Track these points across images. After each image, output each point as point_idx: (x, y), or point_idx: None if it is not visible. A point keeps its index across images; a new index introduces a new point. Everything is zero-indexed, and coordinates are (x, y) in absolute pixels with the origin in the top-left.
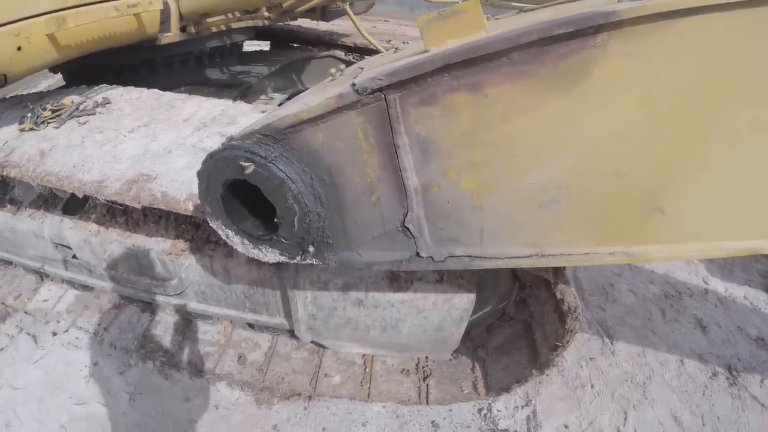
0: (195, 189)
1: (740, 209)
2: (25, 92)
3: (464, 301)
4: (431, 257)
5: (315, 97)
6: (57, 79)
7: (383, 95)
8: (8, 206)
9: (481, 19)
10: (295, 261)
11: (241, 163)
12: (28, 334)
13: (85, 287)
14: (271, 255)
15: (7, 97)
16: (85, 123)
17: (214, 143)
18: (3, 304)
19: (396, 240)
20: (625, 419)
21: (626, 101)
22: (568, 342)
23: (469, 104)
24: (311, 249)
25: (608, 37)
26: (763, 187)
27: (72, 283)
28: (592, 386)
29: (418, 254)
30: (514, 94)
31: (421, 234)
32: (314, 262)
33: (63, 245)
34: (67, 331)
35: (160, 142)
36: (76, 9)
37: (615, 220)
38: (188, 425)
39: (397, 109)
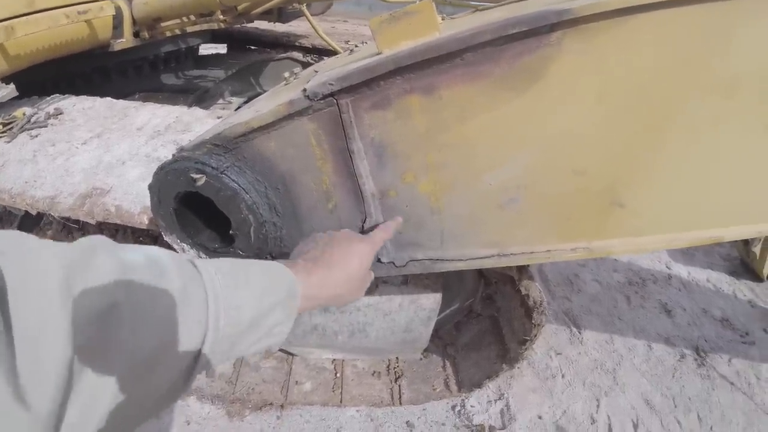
0: (149, 202)
1: (699, 200)
2: None
3: (431, 301)
4: (392, 262)
5: (267, 103)
6: (9, 90)
7: (335, 100)
8: None
9: (434, 20)
10: None
11: (192, 174)
12: None
13: None
14: None
15: None
16: (37, 136)
17: (168, 152)
18: None
19: None
20: (598, 406)
21: (583, 99)
22: (535, 336)
23: (423, 107)
24: (269, 258)
25: (563, 36)
26: (720, 178)
27: None
28: (562, 376)
29: (379, 260)
30: (470, 95)
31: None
32: None
33: None
34: None
35: (113, 153)
36: (24, 17)
37: (575, 216)
38: None
39: (350, 113)
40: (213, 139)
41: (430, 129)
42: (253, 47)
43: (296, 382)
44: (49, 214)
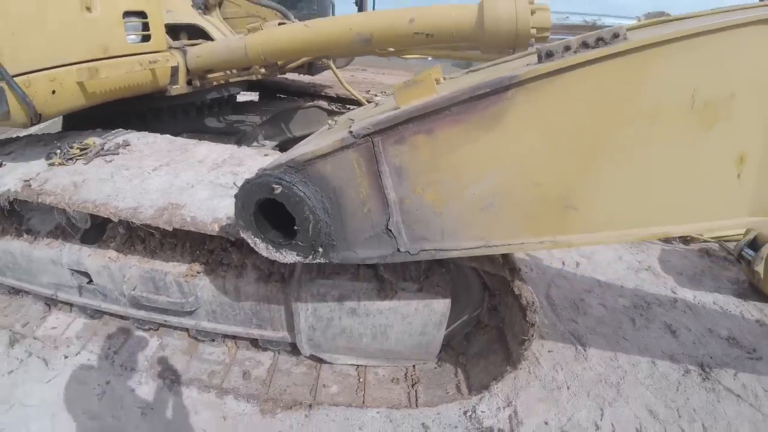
0: (219, 214)
1: (638, 204)
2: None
3: (442, 306)
4: (408, 251)
5: (321, 140)
6: (44, 125)
7: (370, 138)
8: (25, 236)
9: (432, 86)
10: (307, 260)
11: (272, 185)
12: (38, 357)
13: (94, 315)
14: (289, 256)
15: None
16: (111, 161)
17: (228, 180)
18: (11, 331)
19: (382, 240)
20: (602, 414)
21: (533, 134)
22: (533, 335)
23: (426, 142)
24: (320, 250)
25: (515, 92)
26: (655, 186)
27: (81, 311)
28: (568, 387)
29: (398, 250)
30: (456, 134)
31: (399, 234)
32: (322, 260)
33: (80, 272)
34: (78, 354)
35: (182, 178)
36: (107, 61)
37: (539, 216)
38: None
39: (380, 147)
40: (288, 162)
41: (431, 157)
42: (282, 96)
43: (323, 385)
44: (119, 228)
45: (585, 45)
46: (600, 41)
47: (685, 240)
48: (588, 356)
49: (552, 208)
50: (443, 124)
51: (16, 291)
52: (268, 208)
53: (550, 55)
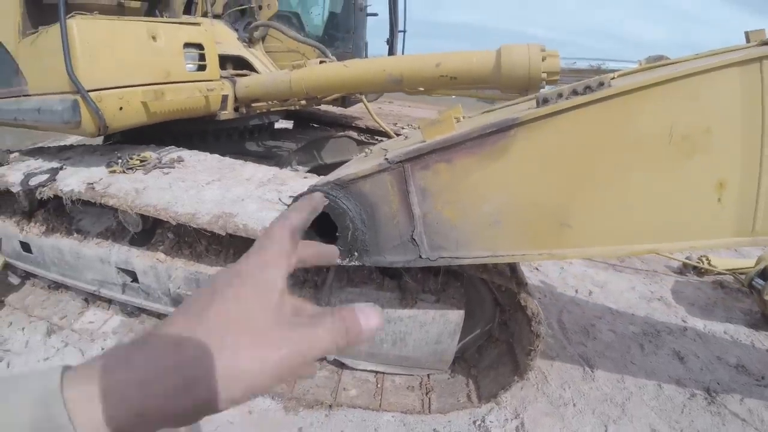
0: (266, 224)
1: (626, 224)
2: (53, 144)
3: (456, 316)
4: (428, 258)
5: (361, 165)
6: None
7: (402, 165)
8: (75, 234)
9: (452, 125)
10: (344, 263)
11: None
12: (74, 347)
13: (132, 314)
14: None
15: (35, 147)
16: (168, 173)
17: (273, 196)
18: (49, 322)
19: (407, 247)
20: (606, 431)
21: (532, 163)
22: (538, 346)
23: (446, 169)
24: (356, 254)
25: (517, 131)
26: (640, 208)
27: (119, 309)
28: (574, 405)
29: (420, 256)
30: (470, 163)
31: (422, 243)
32: (356, 263)
33: (126, 270)
34: None
35: (233, 192)
36: (170, 85)
37: (538, 232)
38: (226, 426)
39: (409, 171)
40: (334, 180)
41: (450, 181)
42: (315, 125)
43: (344, 388)
44: (168, 233)
45: (575, 92)
46: (587, 89)
47: (700, 272)
48: (595, 377)
49: (549, 225)
50: (460, 155)
51: (56, 286)
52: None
53: (546, 101)
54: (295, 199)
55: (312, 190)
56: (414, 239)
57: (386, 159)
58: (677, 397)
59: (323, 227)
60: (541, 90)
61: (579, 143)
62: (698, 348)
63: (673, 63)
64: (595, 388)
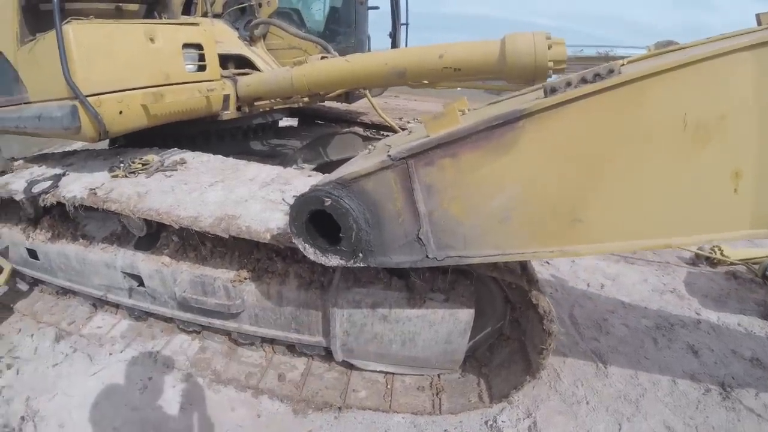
0: (270, 225)
1: (639, 217)
2: (57, 151)
3: (466, 315)
4: (435, 257)
5: (364, 162)
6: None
7: (406, 161)
8: (80, 240)
9: (456, 118)
10: (349, 264)
11: (323, 198)
12: (83, 353)
13: (139, 318)
14: (333, 260)
15: (39, 154)
16: (170, 176)
17: (277, 196)
18: (57, 328)
19: (413, 247)
20: (620, 429)
21: (541, 156)
22: (550, 345)
23: (451, 164)
24: (361, 255)
25: (525, 122)
26: (654, 201)
27: (127, 314)
28: (587, 402)
29: (427, 256)
30: (476, 158)
31: (428, 242)
32: (361, 264)
33: (132, 275)
34: (122, 351)
35: (236, 193)
36: (170, 87)
37: (549, 228)
38: (234, 429)
39: (413, 168)
40: (336, 179)
41: (456, 176)
42: (320, 122)
43: (353, 390)
44: (173, 237)
45: (584, 80)
46: (597, 77)
47: (712, 263)
48: (608, 373)
49: (560, 221)
50: (466, 149)
51: (64, 292)
52: (316, 220)
53: (554, 90)
54: (299, 197)
55: (314, 189)
56: (420, 238)
57: (389, 156)
58: (692, 393)
59: (326, 228)
60: (549, 79)
61: (589, 134)
62: (712, 341)
63: (683, 48)
64: (608, 384)
